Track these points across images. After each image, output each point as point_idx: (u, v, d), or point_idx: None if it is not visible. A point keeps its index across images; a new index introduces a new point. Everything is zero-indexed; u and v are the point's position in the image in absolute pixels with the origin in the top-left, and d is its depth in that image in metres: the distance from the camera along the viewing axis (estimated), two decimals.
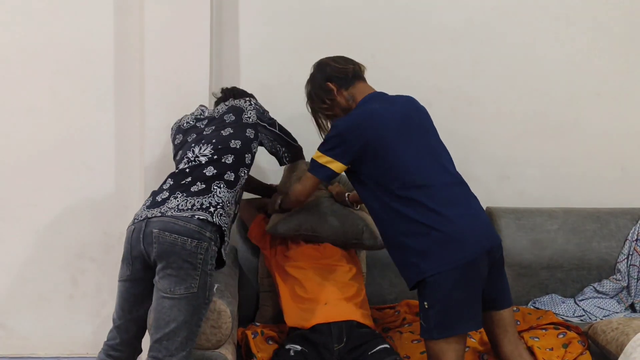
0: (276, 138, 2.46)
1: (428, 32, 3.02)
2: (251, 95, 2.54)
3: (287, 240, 2.59)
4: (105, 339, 2.18)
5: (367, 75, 2.36)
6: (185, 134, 2.38)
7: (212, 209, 2.04)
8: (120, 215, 2.89)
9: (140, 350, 2.21)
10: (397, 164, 2.10)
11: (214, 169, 2.16)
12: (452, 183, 2.16)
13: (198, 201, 2.05)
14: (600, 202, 3.09)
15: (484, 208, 2.89)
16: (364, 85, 2.30)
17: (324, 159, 2.16)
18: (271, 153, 2.51)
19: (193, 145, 2.27)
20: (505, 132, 3.12)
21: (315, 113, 2.40)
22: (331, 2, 2.97)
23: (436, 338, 2.02)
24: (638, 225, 2.90)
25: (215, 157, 2.19)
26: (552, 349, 2.37)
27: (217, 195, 2.10)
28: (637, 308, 2.82)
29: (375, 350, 2.21)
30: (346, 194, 2.57)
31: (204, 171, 2.15)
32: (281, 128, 2.49)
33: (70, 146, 2.93)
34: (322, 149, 2.19)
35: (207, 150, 2.22)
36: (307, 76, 2.89)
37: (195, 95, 2.74)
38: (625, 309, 2.82)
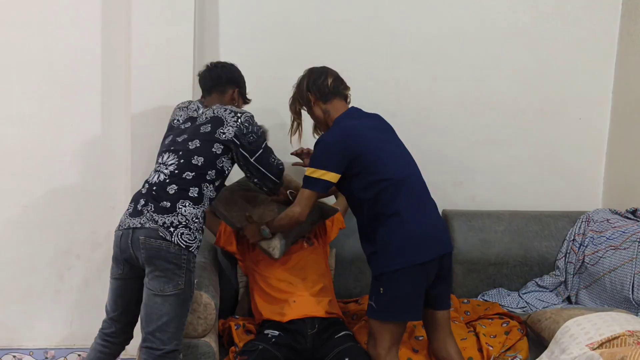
0: (248, 166, 2.29)
1: (391, 52, 3.13)
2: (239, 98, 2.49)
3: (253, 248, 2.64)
4: (100, 327, 2.30)
5: None
6: (168, 133, 2.38)
7: (171, 229, 2.08)
8: (106, 215, 2.94)
9: (132, 337, 2.32)
10: (377, 169, 2.25)
11: (176, 185, 2.15)
12: (420, 188, 2.34)
13: (162, 220, 2.09)
14: (542, 205, 3.24)
15: (440, 211, 3.07)
16: (339, 102, 2.40)
17: (318, 173, 2.25)
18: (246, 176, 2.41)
19: (164, 150, 2.28)
20: (458, 142, 3.24)
21: (293, 113, 2.48)
22: (303, 24, 3.06)
23: (381, 320, 2.22)
24: (575, 226, 3.08)
25: (177, 172, 2.17)
26: (495, 336, 2.53)
27: (182, 214, 2.11)
28: (573, 300, 2.98)
29: (340, 335, 2.38)
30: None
31: (167, 189, 2.14)
32: (261, 158, 2.29)
33: (58, 150, 2.94)
34: (314, 164, 2.27)
35: (171, 161, 2.20)
36: (280, 89, 3.03)
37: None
38: (562, 301, 2.97)
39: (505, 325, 2.65)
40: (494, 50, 3.22)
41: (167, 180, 2.16)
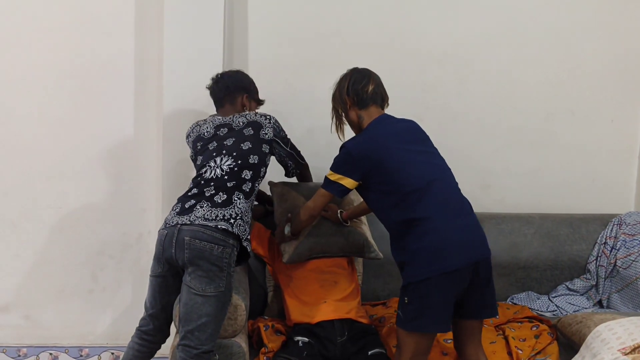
0: (287, 155, 2.58)
1: (418, 56, 3.13)
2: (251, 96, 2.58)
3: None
4: (138, 326, 2.34)
5: None
6: (206, 142, 2.43)
7: (232, 220, 2.20)
8: (138, 217, 3.03)
9: (169, 334, 2.36)
10: (398, 179, 2.19)
11: (234, 181, 2.27)
12: (448, 192, 2.24)
13: (221, 212, 2.20)
14: (573, 208, 3.21)
15: None
16: (375, 109, 2.35)
17: (335, 176, 2.27)
18: (280, 164, 2.64)
19: (215, 154, 2.35)
20: (487, 145, 3.23)
21: (333, 111, 2.45)
22: (331, 29, 3.08)
23: (408, 330, 2.14)
24: (607, 229, 3.05)
25: (236, 169, 2.30)
26: (524, 340, 2.51)
27: (237, 207, 2.24)
28: (604, 304, 2.95)
29: (373, 352, 2.35)
30: (338, 212, 2.63)
31: (226, 183, 2.26)
32: (292, 146, 2.60)
33: (91, 153, 3.01)
34: (334, 168, 2.29)
35: (229, 162, 2.31)
36: (308, 93, 3.09)
37: (210, 108, 2.83)
38: (593, 305, 2.95)
39: (535, 328, 2.63)
40: (523, 53, 3.20)
41: (226, 177, 2.28)
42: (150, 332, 2.30)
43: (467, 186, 3.08)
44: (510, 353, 2.47)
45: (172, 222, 2.21)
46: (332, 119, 2.45)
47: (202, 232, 2.14)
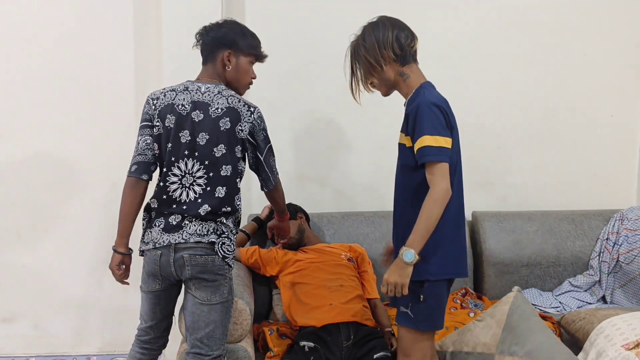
0: (259, 163, 2.17)
1: (418, 54, 3.19)
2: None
3: (293, 260, 2.70)
4: (137, 335, 2.29)
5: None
6: (178, 124, 2.08)
7: (214, 244, 2.06)
8: (141, 226, 3.05)
9: (168, 340, 2.34)
10: (454, 152, 1.99)
11: (208, 206, 2.04)
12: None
13: (205, 232, 2.06)
14: (575, 205, 3.22)
15: (471, 212, 3.13)
16: (418, 68, 2.10)
17: (442, 140, 1.91)
18: (254, 172, 2.25)
19: (186, 152, 2.07)
20: (488, 143, 3.23)
21: (356, 60, 2.10)
22: (328, 32, 3.04)
23: (422, 330, 2.03)
24: (608, 225, 3.05)
25: (208, 188, 2.06)
26: None
27: (223, 226, 2.08)
28: (608, 300, 2.96)
29: (379, 355, 2.34)
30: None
31: (199, 210, 2.04)
32: (269, 153, 2.19)
33: (96, 163, 3.03)
34: (435, 129, 1.90)
35: (199, 173, 2.07)
36: (307, 96, 3.08)
37: None
38: (597, 301, 2.95)
39: None
40: (522, 49, 3.20)
41: (200, 201, 2.06)
42: (150, 341, 2.27)
43: (468, 184, 3.06)
44: None
45: (164, 242, 2.08)
46: (355, 74, 2.09)
47: (200, 249, 2.07)
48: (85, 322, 3.13)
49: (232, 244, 2.12)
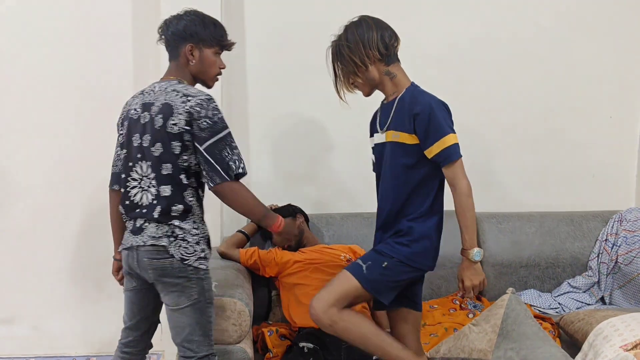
0: (203, 160, 1.95)
1: (416, 57, 2.98)
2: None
3: (293, 261, 2.69)
4: (119, 338, 2.28)
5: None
6: (130, 129, 2.07)
7: (170, 245, 1.98)
8: None
9: (151, 346, 2.31)
10: None
11: (160, 207, 1.98)
12: None
13: (159, 235, 1.99)
14: (573, 206, 3.24)
15: None
16: (402, 68, 2.10)
17: (455, 137, 1.99)
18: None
19: (139, 156, 2.03)
20: (487, 144, 3.24)
21: (338, 60, 2.09)
22: (328, 33, 3.09)
23: (361, 283, 2.03)
24: (607, 226, 3.07)
25: (157, 189, 1.99)
26: None
27: (178, 229, 2.00)
28: (607, 301, 2.98)
29: (377, 357, 2.30)
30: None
31: (154, 213, 1.99)
32: (213, 148, 1.93)
33: (96, 165, 2.92)
34: (447, 128, 1.97)
35: (151, 175, 2.01)
36: (307, 97, 3.07)
37: None
38: (596, 302, 2.97)
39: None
40: (521, 51, 3.21)
41: (155, 202, 2.00)
42: (130, 344, 2.24)
43: None
44: None
45: (128, 244, 2.06)
46: (339, 75, 2.08)
47: (156, 252, 2.00)
48: (85, 323, 3.13)
49: (193, 245, 2.01)
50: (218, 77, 2.16)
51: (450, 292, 2.97)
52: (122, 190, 2.12)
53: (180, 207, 2.00)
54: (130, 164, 2.08)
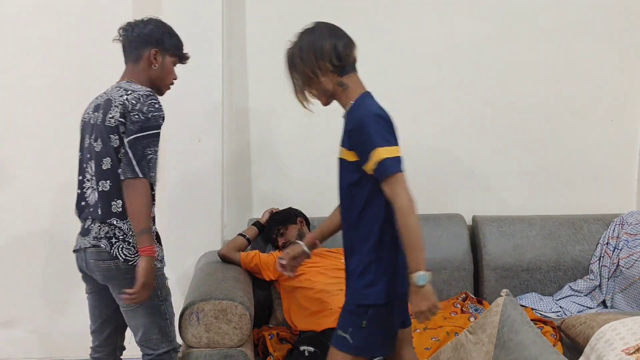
0: (122, 149, 1.93)
1: (415, 58, 3.15)
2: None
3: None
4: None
5: None
6: (83, 130, 2.10)
7: (111, 245, 1.97)
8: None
9: (123, 348, 2.31)
10: None
11: (100, 204, 1.97)
12: None
13: (101, 236, 1.99)
14: (575, 209, 3.22)
15: (470, 217, 3.13)
16: (357, 78, 1.95)
17: (395, 150, 1.79)
18: None
19: (89, 156, 2.04)
20: (487, 146, 3.24)
21: (293, 69, 1.96)
22: None
23: (356, 355, 1.89)
24: (609, 229, 3.05)
25: (96, 185, 1.99)
26: None
27: (119, 229, 1.98)
28: (608, 304, 2.95)
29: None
30: (303, 246, 2.23)
31: (98, 210, 1.98)
32: (138, 140, 1.91)
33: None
34: (385, 140, 1.78)
35: (93, 174, 2.01)
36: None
37: (210, 114, 2.88)
38: (597, 305, 2.95)
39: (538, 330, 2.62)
40: (521, 53, 3.21)
41: (98, 199, 2.00)
42: (98, 349, 2.25)
43: (468, 189, 3.21)
44: None
45: (77, 246, 2.08)
46: (296, 85, 1.96)
47: (99, 253, 1.99)
48: (84, 326, 3.01)
49: (135, 245, 1.98)
50: (171, 86, 2.18)
51: (451, 295, 2.97)
52: (79, 191, 2.10)
53: (120, 202, 1.98)
54: (84, 165, 2.09)
